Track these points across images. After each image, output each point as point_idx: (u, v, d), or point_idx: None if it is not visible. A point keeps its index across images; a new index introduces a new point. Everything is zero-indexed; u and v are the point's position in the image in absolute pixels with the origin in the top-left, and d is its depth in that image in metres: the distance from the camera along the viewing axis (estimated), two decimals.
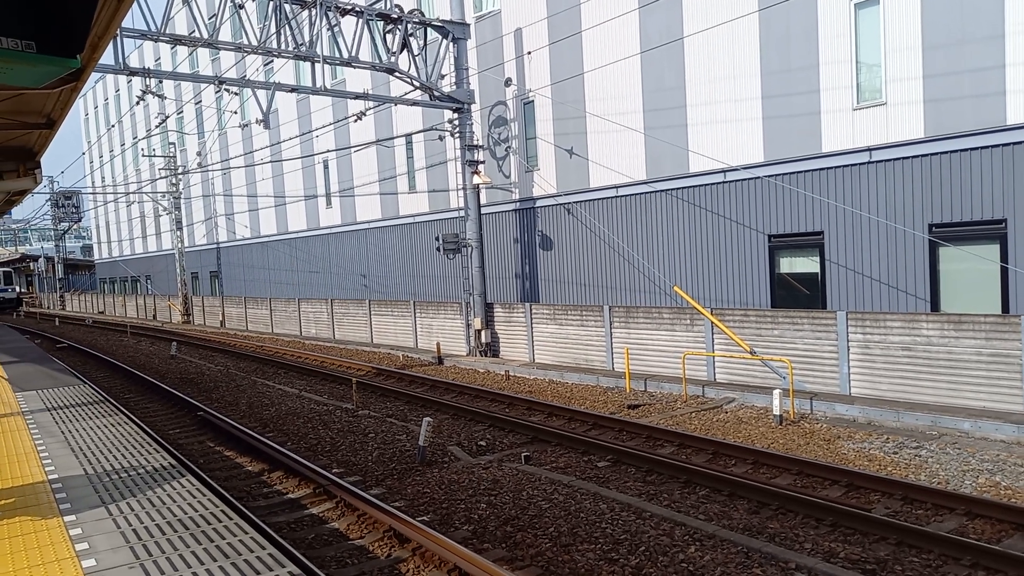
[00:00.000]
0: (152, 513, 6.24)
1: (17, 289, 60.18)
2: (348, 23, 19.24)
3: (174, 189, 39.84)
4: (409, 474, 10.13)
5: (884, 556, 6.94)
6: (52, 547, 5.55)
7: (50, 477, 7.43)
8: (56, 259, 63.56)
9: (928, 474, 9.26)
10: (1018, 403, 10.96)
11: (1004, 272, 12.71)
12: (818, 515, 7.93)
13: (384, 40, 18.80)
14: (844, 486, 8.85)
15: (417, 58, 19.14)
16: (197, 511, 6.26)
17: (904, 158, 13.81)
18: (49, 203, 54.26)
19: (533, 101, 21.50)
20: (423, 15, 19.75)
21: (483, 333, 20.47)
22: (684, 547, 7.19)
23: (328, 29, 17.36)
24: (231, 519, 6.04)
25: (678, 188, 17.84)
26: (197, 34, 16.28)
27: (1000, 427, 10.52)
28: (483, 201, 21.78)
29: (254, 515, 8.23)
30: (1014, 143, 12.43)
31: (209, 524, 5.95)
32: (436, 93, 19.64)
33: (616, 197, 19.40)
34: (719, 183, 16.93)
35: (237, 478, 10.31)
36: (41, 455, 8.34)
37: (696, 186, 17.44)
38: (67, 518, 6.17)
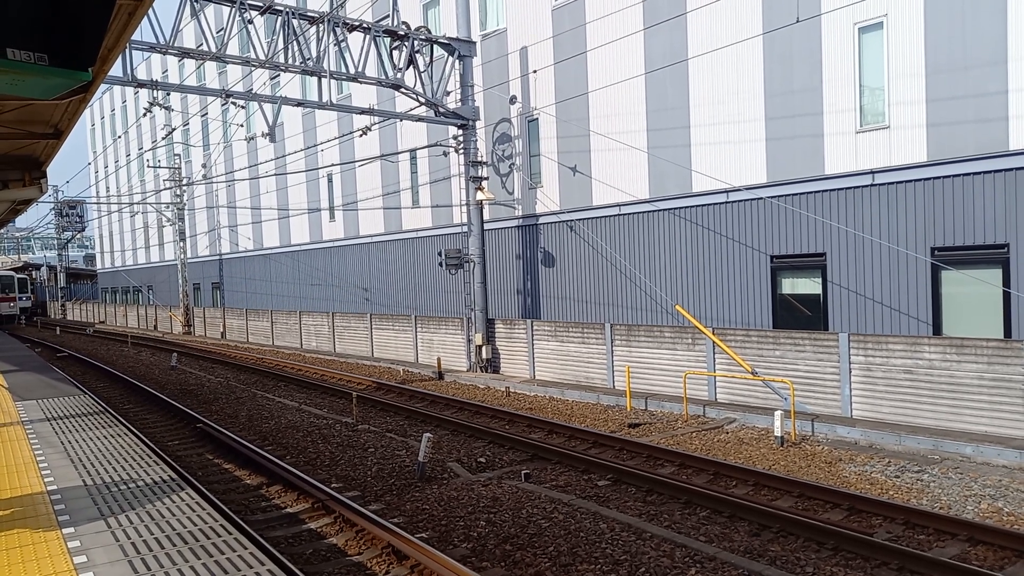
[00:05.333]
0: (151, 526, 6.21)
1: (31, 298, 60.13)
2: (355, 39, 19.39)
3: (178, 200, 39.98)
4: (408, 490, 10.09)
5: None
6: (50, 560, 5.51)
7: (49, 488, 7.40)
8: (58, 268, 63.66)
9: (930, 499, 9.21)
10: (1020, 428, 10.92)
11: (1007, 297, 12.70)
12: (820, 539, 7.88)
13: (390, 56, 18.94)
14: (846, 510, 8.80)
15: (423, 74, 19.27)
16: (196, 525, 6.24)
17: (907, 181, 13.85)
18: (53, 212, 54.42)
19: (537, 119, 21.61)
20: (430, 32, 19.89)
21: (484, 349, 20.45)
22: (684, 569, 7.14)
23: (335, 45, 17.50)
24: (230, 534, 6.02)
25: (681, 207, 17.88)
26: (205, 47, 16.40)
27: (1002, 452, 10.48)
28: (486, 217, 21.84)
29: (252, 529, 8.19)
30: (1016, 168, 12.47)
31: (208, 538, 5.92)
32: (441, 109, 19.76)
33: (619, 215, 19.44)
34: (722, 203, 16.97)
35: (236, 491, 10.26)
36: (40, 466, 8.32)
37: (699, 206, 17.48)
38: (65, 530, 6.14)
